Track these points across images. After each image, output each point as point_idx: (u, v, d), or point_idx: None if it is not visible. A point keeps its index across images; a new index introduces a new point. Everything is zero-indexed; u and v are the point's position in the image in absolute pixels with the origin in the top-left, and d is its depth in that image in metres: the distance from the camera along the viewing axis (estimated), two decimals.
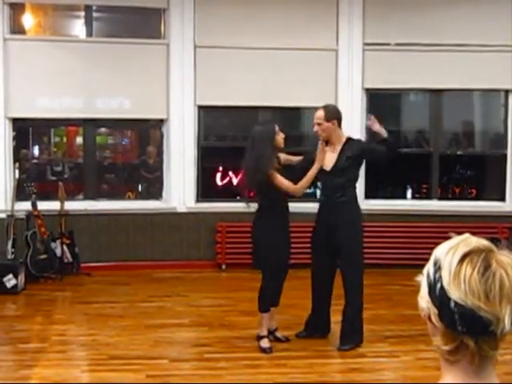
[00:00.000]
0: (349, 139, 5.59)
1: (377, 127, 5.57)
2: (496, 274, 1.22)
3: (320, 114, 5.51)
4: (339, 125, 5.55)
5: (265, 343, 5.51)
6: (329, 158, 5.50)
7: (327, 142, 5.53)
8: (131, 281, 7.90)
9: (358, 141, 5.86)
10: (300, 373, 5.00)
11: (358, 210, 5.66)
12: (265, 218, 5.46)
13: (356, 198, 5.62)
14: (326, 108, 5.57)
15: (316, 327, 5.76)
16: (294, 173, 5.56)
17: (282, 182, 5.34)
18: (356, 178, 5.64)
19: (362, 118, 8.63)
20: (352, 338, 5.54)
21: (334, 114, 5.53)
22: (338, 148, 5.52)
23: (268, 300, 5.55)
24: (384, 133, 5.53)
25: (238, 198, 8.72)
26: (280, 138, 5.48)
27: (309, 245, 5.76)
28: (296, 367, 5.10)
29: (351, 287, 5.51)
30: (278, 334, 5.72)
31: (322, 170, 5.47)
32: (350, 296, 5.53)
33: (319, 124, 5.49)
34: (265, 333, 5.54)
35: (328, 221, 5.51)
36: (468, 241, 1.27)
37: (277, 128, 5.50)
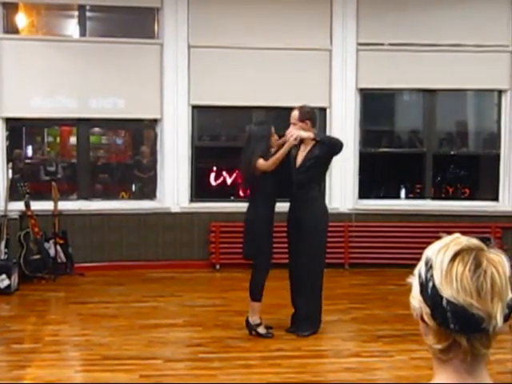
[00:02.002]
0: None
1: (302, 135, 5.61)
2: (487, 272, 1.23)
3: (295, 114, 5.72)
4: (313, 125, 5.78)
5: (263, 329, 5.66)
6: (300, 157, 5.75)
7: (302, 141, 5.72)
8: (125, 281, 7.89)
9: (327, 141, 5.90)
10: (293, 372, 5.00)
11: (323, 207, 5.84)
12: (262, 211, 5.61)
13: (321, 196, 5.86)
14: (301, 109, 5.77)
15: None
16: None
17: (259, 163, 5.52)
18: (321, 177, 5.90)
19: (355, 118, 8.64)
20: (309, 325, 5.73)
21: (307, 115, 5.74)
22: (309, 148, 5.71)
23: (262, 289, 5.64)
24: (311, 136, 5.61)
25: (232, 197, 8.74)
26: (274, 139, 5.69)
27: None
28: (289, 367, 5.10)
29: (308, 280, 5.67)
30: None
31: (293, 168, 5.73)
32: (306, 287, 5.68)
33: (294, 124, 5.69)
34: (259, 320, 5.67)
35: (292, 217, 5.76)
36: (458, 240, 1.29)
37: (272, 129, 5.71)
